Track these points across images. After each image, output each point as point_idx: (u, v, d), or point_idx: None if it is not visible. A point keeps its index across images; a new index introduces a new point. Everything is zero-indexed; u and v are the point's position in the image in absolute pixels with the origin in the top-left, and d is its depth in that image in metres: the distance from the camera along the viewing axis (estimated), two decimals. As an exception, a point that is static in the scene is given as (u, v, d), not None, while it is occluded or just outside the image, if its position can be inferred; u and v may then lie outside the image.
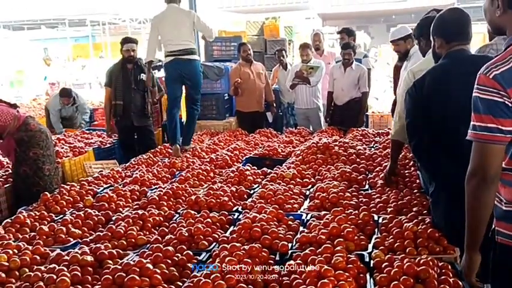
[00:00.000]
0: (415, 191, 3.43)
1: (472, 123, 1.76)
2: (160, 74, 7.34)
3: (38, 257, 2.73)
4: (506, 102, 1.66)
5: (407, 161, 4.03)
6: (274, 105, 7.55)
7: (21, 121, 4.48)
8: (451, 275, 2.23)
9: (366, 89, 6.65)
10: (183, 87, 5.71)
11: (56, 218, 3.46)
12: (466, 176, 1.83)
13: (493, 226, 1.94)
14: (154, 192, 3.84)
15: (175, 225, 3.08)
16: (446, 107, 2.54)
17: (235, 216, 3.26)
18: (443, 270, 2.28)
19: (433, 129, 2.58)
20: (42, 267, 2.53)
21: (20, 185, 4.50)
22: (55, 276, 2.36)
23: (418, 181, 3.56)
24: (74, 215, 3.40)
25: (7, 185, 4.51)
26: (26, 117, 4.56)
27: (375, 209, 3.21)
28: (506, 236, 1.87)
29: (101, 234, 3.04)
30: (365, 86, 6.62)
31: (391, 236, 2.70)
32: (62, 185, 4.11)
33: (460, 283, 2.18)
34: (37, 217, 3.43)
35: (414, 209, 3.06)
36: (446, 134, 2.55)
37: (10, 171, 4.81)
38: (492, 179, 1.76)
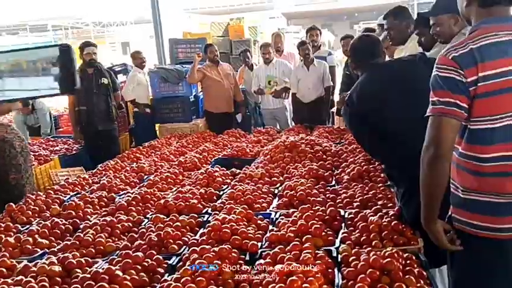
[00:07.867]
0: (380, 185, 3.50)
1: (431, 99, 1.87)
2: (122, 78, 7.44)
3: (4, 270, 2.66)
4: (463, 80, 1.79)
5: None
6: (244, 105, 7.56)
7: None
8: (415, 266, 2.29)
9: (329, 83, 6.74)
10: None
11: (22, 229, 3.38)
12: (421, 152, 1.90)
13: (450, 213, 2.02)
14: (123, 197, 3.80)
15: (144, 230, 3.06)
16: (382, 112, 2.68)
17: (204, 219, 3.26)
18: (408, 261, 2.33)
19: (378, 135, 2.70)
20: (9, 280, 2.47)
21: None
22: (23, 288, 2.32)
23: (382, 175, 3.64)
24: (41, 225, 3.33)
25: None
26: None
27: (341, 204, 3.26)
28: (464, 223, 1.95)
29: (69, 243, 2.98)
30: (328, 81, 6.71)
31: (357, 230, 2.75)
32: (28, 195, 4.02)
33: (425, 273, 2.25)
34: (2, 229, 3.35)
35: (379, 203, 3.13)
36: (390, 139, 2.67)
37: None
38: (446, 152, 1.85)
